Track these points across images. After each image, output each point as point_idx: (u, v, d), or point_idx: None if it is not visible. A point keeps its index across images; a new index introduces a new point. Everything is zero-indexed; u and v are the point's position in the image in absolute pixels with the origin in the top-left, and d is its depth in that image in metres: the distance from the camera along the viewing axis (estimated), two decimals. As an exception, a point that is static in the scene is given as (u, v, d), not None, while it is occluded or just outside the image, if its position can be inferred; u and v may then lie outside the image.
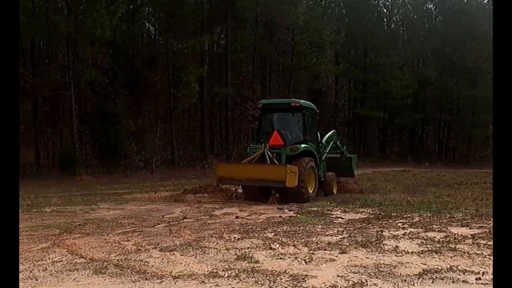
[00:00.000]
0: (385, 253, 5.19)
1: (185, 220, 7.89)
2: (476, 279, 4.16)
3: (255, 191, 10.89)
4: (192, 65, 24.43)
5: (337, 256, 5.00)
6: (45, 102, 24.37)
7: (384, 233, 6.42)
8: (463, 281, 4.10)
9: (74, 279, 4.18)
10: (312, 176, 11.09)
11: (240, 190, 11.62)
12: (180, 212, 9.02)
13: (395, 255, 5.07)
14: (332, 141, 13.36)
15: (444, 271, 4.41)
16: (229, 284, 3.99)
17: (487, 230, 6.51)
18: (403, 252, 5.19)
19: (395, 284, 4.01)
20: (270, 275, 4.22)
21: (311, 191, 10.99)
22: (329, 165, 12.73)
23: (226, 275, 4.23)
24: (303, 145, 11.09)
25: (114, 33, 20.15)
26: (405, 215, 8.27)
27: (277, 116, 11.85)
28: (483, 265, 4.64)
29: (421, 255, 5.09)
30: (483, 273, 4.29)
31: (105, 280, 4.15)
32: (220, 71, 30.60)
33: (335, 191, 12.45)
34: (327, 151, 12.77)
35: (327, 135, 13.16)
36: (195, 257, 4.98)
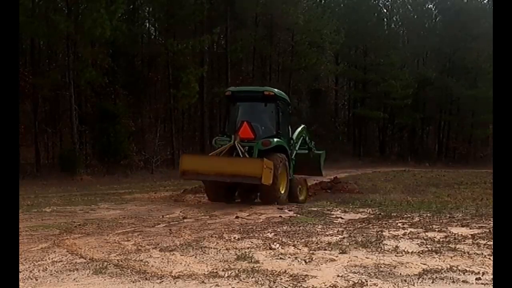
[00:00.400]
0: (385, 253, 5.19)
1: (185, 220, 7.89)
2: (476, 279, 4.16)
3: (221, 189, 9.92)
4: (192, 65, 24.44)
5: (337, 256, 5.00)
6: (45, 102, 24.36)
7: (384, 233, 6.42)
8: (463, 281, 4.10)
9: (74, 279, 4.18)
10: (284, 175, 10.05)
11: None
12: (180, 212, 9.02)
13: (395, 255, 5.07)
14: (302, 137, 12.03)
15: (444, 271, 4.41)
16: (229, 284, 3.99)
17: (487, 230, 6.51)
18: (403, 252, 5.19)
19: (395, 284, 4.01)
20: (270, 275, 4.22)
21: (282, 192, 10.01)
22: (296, 162, 11.33)
23: (226, 275, 4.23)
24: (275, 140, 10.00)
25: (114, 33, 20.15)
26: (405, 215, 8.27)
27: (247, 106, 10.59)
28: (483, 265, 4.64)
29: (421, 255, 5.09)
30: (483, 273, 4.28)
31: (105, 280, 4.15)
32: (220, 71, 30.60)
33: (302, 198, 11.00)
34: (297, 148, 11.53)
35: (297, 131, 11.81)
36: (195, 257, 4.98)
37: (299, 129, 11.99)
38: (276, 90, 10.84)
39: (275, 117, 10.28)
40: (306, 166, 12.06)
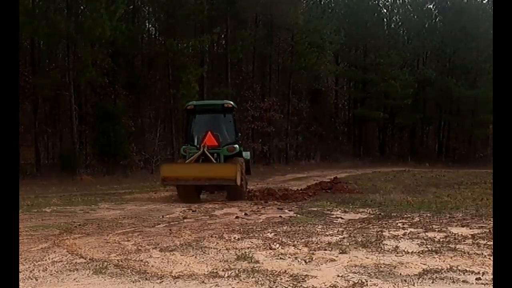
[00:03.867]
0: (385, 253, 5.19)
1: (185, 220, 7.89)
2: (476, 279, 4.16)
3: (191, 191, 10.92)
4: (192, 65, 24.44)
5: (337, 256, 5.00)
6: (45, 102, 24.36)
7: (384, 233, 6.42)
8: (463, 281, 4.10)
9: (74, 279, 4.18)
10: (244, 175, 11.33)
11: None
12: (180, 212, 9.03)
13: (395, 255, 5.07)
14: None
15: (444, 271, 4.40)
16: (229, 284, 3.99)
17: (487, 230, 6.50)
18: (403, 252, 5.19)
19: (395, 284, 4.01)
20: (270, 275, 4.22)
21: (245, 189, 11.47)
22: None
23: (226, 275, 4.23)
24: (237, 146, 11.41)
25: (114, 33, 20.14)
26: (405, 215, 8.27)
27: (208, 117, 11.81)
28: (483, 265, 4.64)
29: (421, 255, 5.09)
30: (483, 273, 4.28)
31: (105, 280, 4.15)
32: (220, 71, 30.60)
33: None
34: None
35: None
36: (195, 257, 4.98)
37: None
38: (232, 102, 12.15)
39: (232, 126, 11.68)
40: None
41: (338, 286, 3.94)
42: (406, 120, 41.01)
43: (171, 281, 4.09)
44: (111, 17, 19.02)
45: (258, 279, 4.12)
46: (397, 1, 43.73)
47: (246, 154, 13.18)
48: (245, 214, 8.66)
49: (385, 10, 43.39)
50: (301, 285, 3.97)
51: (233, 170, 10.15)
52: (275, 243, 5.65)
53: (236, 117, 11.94)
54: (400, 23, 44.13)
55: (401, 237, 6.11)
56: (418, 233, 6.43)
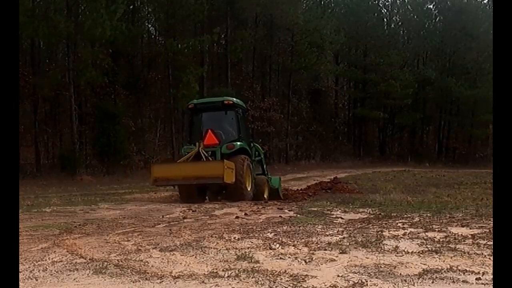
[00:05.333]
0: (385, 253, 5.19)
1: (185, 220, 7.89)
2: (476, 279, 4.15)
3: (192, 191, 10.65)
4: (192, 65, 24.47)
5: (337, 256, 5.00)
6: (45, 102, 24.37)
7: (384, 233, 6.41)
8: (463, 281, 4.10)
9: (74, 279, 4.17)
10: (248, 174, 10.89)
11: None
12: (180, 212, 9.02)
13: (395, 255, 5.06)
14: (258, 154, 12.57)
15: (444, 271, 4.40)
16: (229, 284, 3.99)
17: (487, 230, 6.50)
18: (403, 252, 5.19)
19: (395, 284, 4.01)
20: (270, 275, 4.21)
21: (249, 189, 10.85)
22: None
23: (226, 275, 4.23)
24: (239, 143, 10.92)
25: (114, 33, 20.16)
26: (405, 215, 8.27)
27: (209, 115, 11.51)
28: (483, 265, 4.63)
29: (421, 255, 5.08)
30: (483, 273, 4.28)
31: (105, 280, 4.15)
32: (220, 71, 30.63)
33: (266, 196, 11.75)
34: (257, 154, 12.35)
35: (255, 143, 12.61)
36: (195, 257, 4.98)
37: (255, 144, 12.49)
38: (234, 99, 11.85)
39: (235, 123, 11.28)
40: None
41: (338, 286, 3.94)
42: (406, 120, 41.03)
43: (171, 281, 4.09)
44: (111, 17, 19.04)
45: (258, 279, 4.11)
46: (397, 1, 43.78)
47: (275, 180, 12.59)
48: (245, 214, 8.65)
49: (385, 10, 43.50)
50: (301, 285, 3.97)
51: (220, 167, 9.76)
52: (275, 243, 5.65)
53: (240, 114, 11.48)
54: (400, 23, 44.17)
55: (401, 237, 6.10)
56: (418, 233, 6.42)
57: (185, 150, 11.17)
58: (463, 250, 5.29)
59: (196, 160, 10.55)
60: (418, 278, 4.16)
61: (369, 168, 28.48)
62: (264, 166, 12.73)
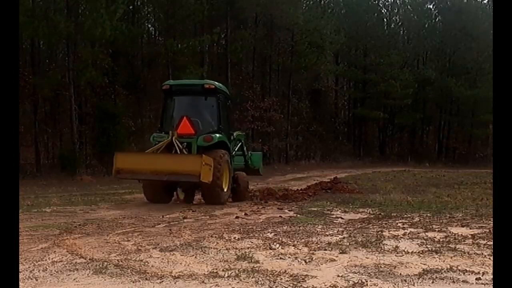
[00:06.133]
0: (385, 253, 5.19)
1: (185, 220, 7.89)
2: (476, 279, 4.16)
3: (157, 187, 9.43)
4: (192, 65, 24.44)
5: (337, 256, 5.00)
6: (45, 102, 24.34)
7: (384, 233, 6.42)
8: (463, 281, 4.10)
9: (74, 279, 4.18)
10: (226, 172, 9.60)
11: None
12: (180, 212, 9.02)
13: (395, 255, 5.07)
14: (240, 143, 11.30)
15: (444, 271, 4.40)
16: (229, 284, 3.99)
17: (487, 230, 6.50)
18: (403, 252, 5.19)
19: (395, 284, 4.01)
20: (270, 275, 4.22)
21: (226, 189, 9.63)
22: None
23: (226, 275, 4.23)
24: (217, 135, 9.57)
25: (114, 33, 20.14)
26: (405, 215, 8.27)
27: (186, 100, 10.09)
28: (483, 265, 4.64)
29: (421, 255, 5.09)
30: (483, 273, 4.28)
31: (105, 280, 4.15)
32: (220, 71, 30.59)
33: (246, 195, 10.98)
34: (236, 148, 11.00)
35: (236, 132, 11.21)
36: (195, 257, 4.98)
37: (236, 133, 11.28)
38: (216, 83, 10.40)
39: (216, 111, 9.88)
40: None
41: (338, 286, 3.94)
42: (406, 120, 41.02)
43: (171, 281, 4.09)
44: (111, 17, 19.02)
45: (258, 279, 4.12)
46: (397, 1, 43.77)
47: (255, 158, 11.49)
48: (245, 214, 8.64)
49: (385, 10, 43.45)
50: (301, 285, 3.97)
51: (197, 163, 8.45)
52: (275, 243, 5.65)
53: (222, 102, 10.12)
54: (400, 23, 44.14)
55: (401, 237, 6.10)
56: (418, 233, 6.43)
57: (155, 138, 9.71)
58: (463, 250, 5.29)
59: (168, 152, 9.21)
60: (418, 278, 4.16)
61: (369, 168, 28.48)
62: (244, 149, 11.45)
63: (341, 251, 5.22)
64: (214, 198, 9.40)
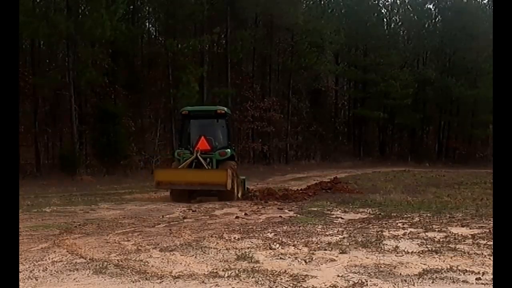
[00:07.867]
0: (385, 253, 5.19)
1: (185, 220, 7.89)
2: (476, 279, 4.16)
3: (184, 193, 11.48)
4: (192, 65, 24.44)
5: (337, 256, 5.00)
6: (45, 102, 24.37)
7: (384, 233, 6.42)
8: (463, 281, 4.10)
9: (74, 279, 4.18)
10: (236, 178, 11.75)
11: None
12: (180, 212, 9.03)
13: (395, 255, 5.07)
14: None
15: (444, 271, 4.41)
16: (229, 284, 3.99)
17: (487, 230, 6.50)
18: (403, 252, 5.19)
19: (395, 284, 4.01)
20: (270, 275, 4.22)
21: (239, 194, 11.94)
22: None
23: (226, 275, 4.23)
24: (229, 150, 11.86)
25: (114, 33, 20.14)
26: (405, 215, 8.27)
27: (202, 122, 12.29)
28: (483, 265, 4.64)
29: (421, 255, 5.09)
30: (483, 273, 4.28)
31: (105, 280, 4.15)
32: (220, 71, 30.59)
33: (239, 195, 12.37)
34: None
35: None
36: (195, 257, 4.98)
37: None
38: (225, 108, 12.70)
39: (225, 130, 12.19)
40: None
41: (338, 286, 3.94)
42: (406, 120, 40.96)
43: (171, 281, 4.09)
44: (111, 17, 19.03)
45: (258, 279, 4.12)
46: (397, 1, 43.75)
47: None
48: (245, 214, 8.66)
49: (385, 10, 43.39)
50: (301, 285, 3.97)
51: (223, 176, 10.67)
52: (275, 243, 5.65)
53: (229, 122, 12.54)
54: (400, 23, 44.11)
55: (401, 237, 6.10)
56: (418, 233, 6.43)
57: (178, 154, 11.86)
58: (463, 250, 5.29)
59: (196, 166, 11.34)
60: (418, 278, 4.16)
61: (369, 168, 28.48)
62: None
63: (341, 251, 5.22)
64: (231, 198, 11.30)
